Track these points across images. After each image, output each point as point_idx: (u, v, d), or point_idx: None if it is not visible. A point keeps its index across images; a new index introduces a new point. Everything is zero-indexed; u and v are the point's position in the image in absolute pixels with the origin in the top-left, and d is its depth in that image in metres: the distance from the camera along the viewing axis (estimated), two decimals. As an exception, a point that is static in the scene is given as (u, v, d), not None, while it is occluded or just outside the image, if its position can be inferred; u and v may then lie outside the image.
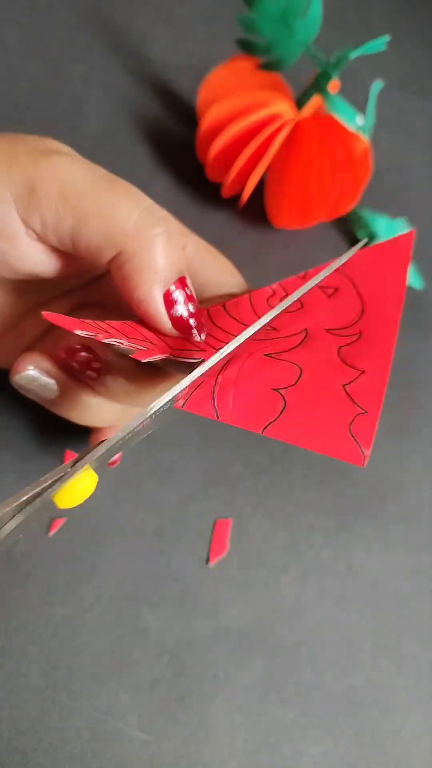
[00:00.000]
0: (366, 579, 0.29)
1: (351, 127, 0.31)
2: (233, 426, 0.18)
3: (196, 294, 0.23)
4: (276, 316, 0.20)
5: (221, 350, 0.18)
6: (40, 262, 0.19)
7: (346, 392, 0.18)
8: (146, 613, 0.26)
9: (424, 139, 0.42)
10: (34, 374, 0.21)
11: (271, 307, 0.21)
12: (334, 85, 0.32)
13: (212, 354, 0.19)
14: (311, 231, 0.36)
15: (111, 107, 0.37)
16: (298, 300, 0.21)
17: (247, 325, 0.20)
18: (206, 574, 0.27)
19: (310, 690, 0.26)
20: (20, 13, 0.39)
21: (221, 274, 0.23)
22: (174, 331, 0.19)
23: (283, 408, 0.18)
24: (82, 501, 0.16)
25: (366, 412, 0.18)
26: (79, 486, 0.16)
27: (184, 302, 0.19)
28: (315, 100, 0.32)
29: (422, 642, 0.28)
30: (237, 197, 0.35)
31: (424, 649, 0.28)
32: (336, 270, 0.21)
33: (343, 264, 0.21)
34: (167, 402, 0.17)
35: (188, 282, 0.19)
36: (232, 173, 0.32)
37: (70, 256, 0.20)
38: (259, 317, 0.20)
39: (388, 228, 0.37)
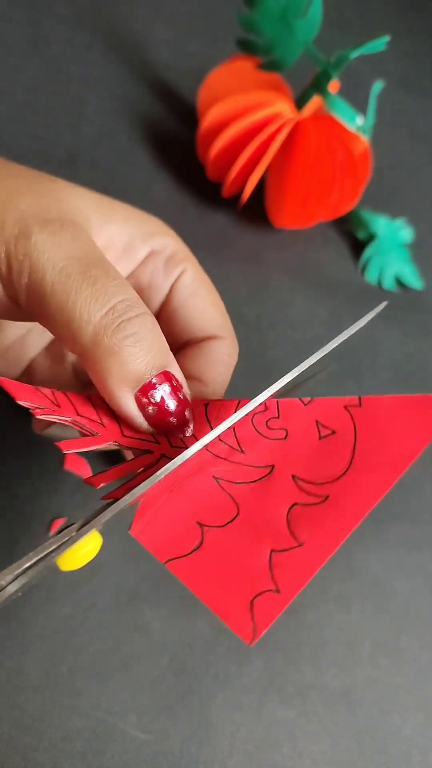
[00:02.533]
0: (366, 578, 0.29)
1: (351, 127, 0.31)
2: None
3: (181, 333, 0.22)
4: (251, 436, 0.18)
5: (174, 460, 0.16)
6: (20, 316, 0.19)
7: (270, 560, 0.16)
8: (147, 612, 0.26)
9: (424, 139, 0.42)
10: (56, 431, 0.20)
11: (254, 426, 0.18)
12: (334, 85, 0.32)
13: (162, 452, 0.18)
14: (311, 231, 0.36)
15: (111, 107, 0.37)
16: (284, 428, 0.18)
17: (219, 438, 0.18)
18: (206, 573, 0.27)
19: (310, 689, 0.26)
20: (21, 13, 0.39)
21: (210, 313, 0.23)
22: (150, 429, 0.18)
23: (197, 548, 0.17)
24: (85, 563, 0.16)
25: (278, 592, 0.15)
26: (83, 550, 0.15)
27: (165, 399, 0.17)
28: (315, 100, 0.32)
29: (422, 641, 0.28)
30: (237, 197, 0.35)
31: (424, 648, 0.28)
32: (345, 408, 0.18)
33: (360, 406, 0.18)
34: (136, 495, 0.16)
35: (174, 373, 0.17)
36: (233, 173, 0.32)
37: None
38: (235, 435, 0.18)
39: (388, 227, 0.37)
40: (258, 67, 0.32)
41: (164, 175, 0.36)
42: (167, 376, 0.17)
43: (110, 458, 0.29)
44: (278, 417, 0.18)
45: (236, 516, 0.17)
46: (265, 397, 0.17)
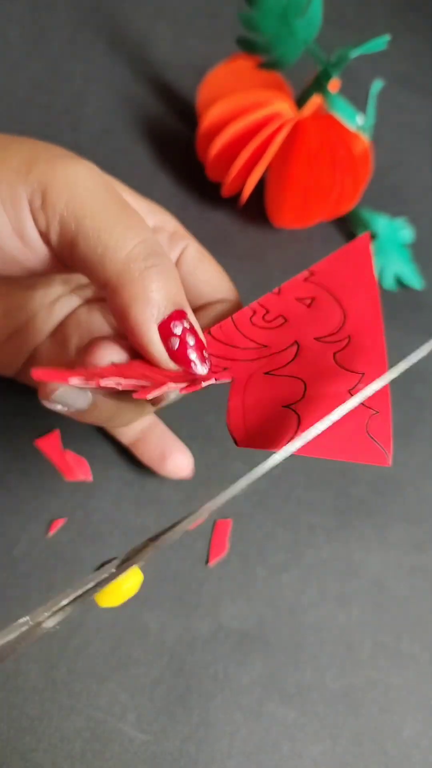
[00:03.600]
0: (366, 578, 0.29)
1: (351, 126, 0.31)
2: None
3: (191, 300, 0.23)
4: (264, 332, 0.20)
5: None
6: (47, 261, 0.19)
7: (353, 395, 0.18)
8: (146, 613, 0.26)
9: (425, 138, 0.42)
10: (67, 393, 0.20)
11: (255, 325, 0.21)
12: (334, 84, 0.32)
13: (211, 377, 0.19)
14: (311, 230, 0.36)
15: (111, 106, 0.37)
16: (281, 314, 0.21)
17: (235, 346, 0.20)
18: (206, 574, 0.27)
19: (310, 689, 0.26)
20: (21, 11, 0.39)
21: (215, 280, 0.24)
22: (172, 365, 0.18)
23: (298, 423, 0.18)
24: (125, 600, 0.16)
25: (377, 413, 0.18)
26: (124, 587, 0.15)
27: (183, 335, 0.18)
28: (315, 100, 0.32)
29: (422, 641, 0.28)
30: (237, 196, 0.35)
31: (424, 648, 0.28)
32: (307, 281, 0.21)
33: (313, 274, 0.21)
34: (223, 502, 0.16)
35: (189, 315, 0.18)
36: (233, 172, 0.32)
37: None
38: (246, 337, 0.20)
39: (389, 227, 0.37)
40: (258, 66, 0.32)
41: (164, 175, 0.36)
42: (182, 315, 0.18)
43: (111, 460, 0.29)
44: (268, 312, 0.21)
45: (305, 386, 0.18)
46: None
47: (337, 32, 0.31)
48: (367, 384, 0.18)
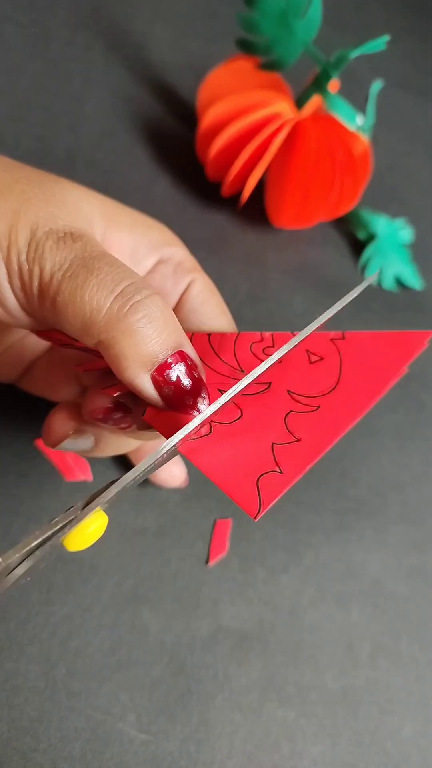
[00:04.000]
0: (366, 579, 0.29)
1: (351, 126, 0.31)
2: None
3: (185, 326, 0.22)
4: (251, 361, 0.20)
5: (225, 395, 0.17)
6: (31, 324, 0.19)
7: (273, 450, 0.18)
8: (146, 613, 0.26)
9: (424, 138, 0.42)
10: (72, 441, 0.21)
11: (251, 351, 0.21)
12: (333, 85, 0.32)
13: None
14: (311, 231, 0.36)
15: (111, 107, 0.37)
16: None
17: (221, 359, 0.20)
18: (206, 574, 0.27)
19: (310, 690, 0.26)
20: (21, 13, 0.39)
21: (219, 317, 0.23)
22: (167, 408, 0.18)
23: (207, 434, 0.18)
24: (92, 543, 0.16)
25: (281, 473, 0.18)
26: (89, 529, 0.15)
27: (177, 381, 0.18)
28: (315, 100, 0.32)
29: (422, 642, 0.28)
30: (237, 197, 0.35)
31: (423, 649, 0.28)
32: (332, 341, 0.21)
33: (343, 338, 0.21)
34: (176, 442, 0.16)
35: (188, 353, 0.18)
36: (232, 173, 0.32)
37: None
38: (236, 358, 0.20)
39: (388, 228, 0.37)
40: (258, 66, 0.32)
41: (164, 175, 0.36)
42: (182, 356, 0.18)
43: (111, 460, 0.29)
44: (273, 346, 0.21)
45: (240, 417, 0.19)
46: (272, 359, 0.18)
47: (336, 33, 0.31)
48: (298, 448, 0.18)
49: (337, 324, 0.34)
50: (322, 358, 0.21)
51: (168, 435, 0.18)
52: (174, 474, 0.28)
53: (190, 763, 0.24)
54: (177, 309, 0.23)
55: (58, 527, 0.15)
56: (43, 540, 0.15)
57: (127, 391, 0.19)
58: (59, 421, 0.21)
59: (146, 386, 0.17)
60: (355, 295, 0.20)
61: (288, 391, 0.20)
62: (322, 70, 0.30)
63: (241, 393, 0.19)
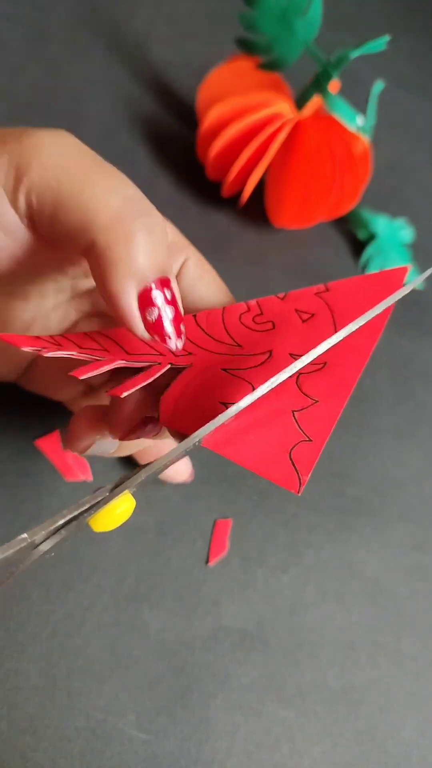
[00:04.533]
0: (366, 578, 0.29)
1: (351, 127, 0.31)
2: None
3: (183, 304, 0.22)
4: (246, 332, 0.20)
5: (251, 395, 0.17)
6: (31, 246, 0.19)
7: (295, 418, 0.18)
8: (146, 612, 0.26)
9: (425, 139, 0.42)
10: (97, 446, 0.21)
11: (242, 323, 0.20)
12: (334, 85, 0.32)
13: (169, 361, 0.19)
14: (311, 231, 0.36)
15: (111, 107, 0.37)
16: (272, 320, 0.20)
17: (211, 336, 0.20)
18: (206, 573, 0.27)
19: (310, 689, 0.26)
20: (21, 13, 0.39)
21: (217, 296, 0.23)
22: (146, 335, 0.17)
23: (227, 423, 0.18)
24: (118, 525, 0.16)
25: (310, 440, 0.17)
26: (117, 511, 0.15)
27: (163, 305, 0.17)
28: (315, 100, 0.32)
29: (422, 641, 0.28)
30: (237, 197, 0.35)
31: (424, 648, 0.28)
32: (317, 295, 0.21)
33: (328, 290, 0.20)
34: (206, 432, 0.16)
35: (172, 284, 0.17)
36: (233, 173, 0.32)
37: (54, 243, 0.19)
38: (229, 333, 0.20)
39: (388, 227, 0.37)
40: (258, 66, 0.32)
41: (164, 175, 0.36)
42: (166, 283, 0.17)
43: (111, 460, 0.29)
44: (262, 313, 0.20)
45: (253, 389, 0.18)
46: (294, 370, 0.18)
47: (336, 33, 0.31)
48: (318, 411, 0.18)
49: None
50: (313, 315, 0.20)
51: (190, 430, 0.17)
52: (179, 470, 0.27)
53: (190, 763, 0.24)
54: None
55: (86, 507, 0.15)
56: (70, 519, 0.15)
57: (137, 386, 0.18)
58: (84, 430, 0.21)
59: (131, 303, 0.16)
60: (398, 297, 0.20)
61: (291, 354, 0.19)
62: (323, 70, 0.30)
63: (246, 367, 0.19)
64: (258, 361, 0.19)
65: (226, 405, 0.18)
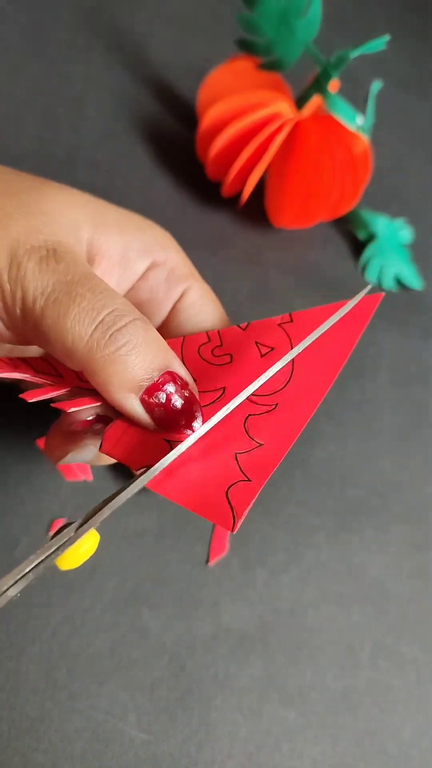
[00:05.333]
0: (366, 579, 0.29)
1: (351, 126, 0.31)
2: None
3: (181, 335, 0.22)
4: (202, 366, 0.19)
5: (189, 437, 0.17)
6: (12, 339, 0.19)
7: (236, 460, 0.18)
8: (146, 613, 0.26)
9: (424, 138, 0.42)
10: (75, 455, 0.21)
11: (200, 355, 0.20)
12: (334, 85, 0.32)
13: None
14: (311, 231, 0.36)
15: (111, 107, 0.37)
16: (230, 353, 0.20)
17: None
18: (206, 574, 0.27)
19: (311, 690, 0.26)
20: (20, 13, 0.39)
21: (215, 323, 0.22)
22: (158, 428, 0.18)
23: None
24: (83, 562, 0.16)
25: (249, 480, 0.17)
26: (82, 549, 0.16)
27: (168, 401, 0.17)
28: (315, 100, 0.32)
29: (422, 642, 0.28)
30: (237, 197, 0.35)
31: (424, 649, 0.28)
32: (279, 326, 0.20)
33: (292, 321, 0.20)
34: (159, 468, 0.17)
35: (178, 372, 0.18)
36: (232, 173, 0.32)
37: None
38: (183, 361, 0.19)
39: (388, 228, 0.37)
40: (258, 67, 0.32)
41: (164, 175, 0.36)
42: (171, 376, 0.17)
43: (115, 469, 0.29)
44: (221, 345, 0.20)
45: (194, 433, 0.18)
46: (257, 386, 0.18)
47: (336, 33, 0.31)
48: (261, 453, 0.18)
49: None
50: (272, 349, 0.19)
51: (131, 462, 0.18)
52: None
53: (190, 764, 0.24)
54: (170, 318, 0.22)
55: (52, 550, 0.16)
56: (38, 564, 0.15)
57: (85, 405, 0.18)
58: (56, 443, 0.21)
59: (136, 409, 0.17)
60: (354, 303, 0.20)
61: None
62: (323, 70, 0.30)
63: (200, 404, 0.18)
64: (211, 399, 0.19)
65: (170, 444, 0.18)
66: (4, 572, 0.26)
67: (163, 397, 0.17)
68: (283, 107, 0.32)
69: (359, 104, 0.32)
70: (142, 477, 0.16)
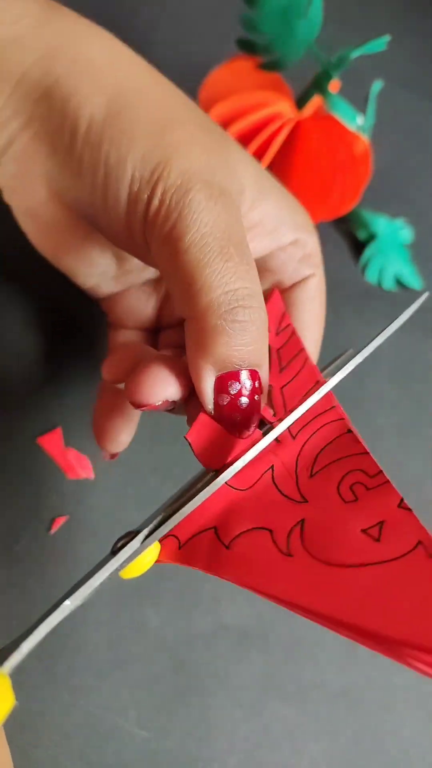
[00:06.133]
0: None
1: (351, 126, 0.31)
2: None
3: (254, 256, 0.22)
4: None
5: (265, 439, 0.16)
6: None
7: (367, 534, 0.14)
8: (146, 610, 0.26)
9: (425, 138, 0.42)
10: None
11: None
12: (334, 85, 0.32)
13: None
14: (312, 230, 0.36)
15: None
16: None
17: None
18: (206, 571, 0.27)
19: (310, 687, 0.26)
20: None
21: (311, 327, 0.23)
22: (212, 414, 0.17)
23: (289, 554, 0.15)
24: (146, 570, 0.16)
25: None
26: (146, 558, 0.16)
27: (237, 395, 0.17)
28: (315, 100, 0.33)
29: (422, 640, 0.28)
30: (238, 197, 0.35)
31: (423, 647, 0.28)
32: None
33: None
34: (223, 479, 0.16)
35: (262, 376, 0.17)
36: (233, 172, 0.32)
37: None
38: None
39: (388, 227, 0.37)
40: (258, 67, 0.32)
41: (165, 175, 0.36)
42: (253, 375, 0.17)
43: (117, 466, 0.29)
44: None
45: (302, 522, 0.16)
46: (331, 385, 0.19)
47: (337, 33, 0.31)
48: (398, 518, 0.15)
49: (340, 325, 0.34)
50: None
51: (206, 462, 0.17)
52: None
53: (190, 760, 0.24)
54: (284, 293, 0.23)
55: (120, 563, 0.16)
56: (105, 579, 0.16)
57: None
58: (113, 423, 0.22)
59: (207, 384, 0.17)
60: (406, 317, 0.20)
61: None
62: (323, 70, 0.30)
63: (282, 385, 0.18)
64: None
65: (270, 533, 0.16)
66: (4, 568, 0.27)
67: (235, 388, 0.17)
68: (284, 107, 0.32)
69: (360, 104, 0.32)
70: (211, 485, 0.16)
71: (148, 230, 0.18)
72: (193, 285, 0.16)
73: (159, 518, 0.16)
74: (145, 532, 0.16)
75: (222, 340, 0.16)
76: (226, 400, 0.17)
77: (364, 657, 0.27)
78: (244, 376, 0.17)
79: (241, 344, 0.17)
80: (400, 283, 0.37)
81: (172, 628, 0.26)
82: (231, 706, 0.25)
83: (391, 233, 0.37)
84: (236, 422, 0.17)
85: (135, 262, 0.23)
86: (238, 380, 0.17)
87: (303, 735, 0.26)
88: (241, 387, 0.17)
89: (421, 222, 0.38)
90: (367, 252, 0.36)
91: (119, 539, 0.16)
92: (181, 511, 0.16)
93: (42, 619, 0.15)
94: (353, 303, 0.35)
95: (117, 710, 0.24)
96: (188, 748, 0.24)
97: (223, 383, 0.17)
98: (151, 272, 0.24)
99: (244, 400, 0.17)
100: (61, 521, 0.27)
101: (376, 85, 0.32)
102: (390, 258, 0.36)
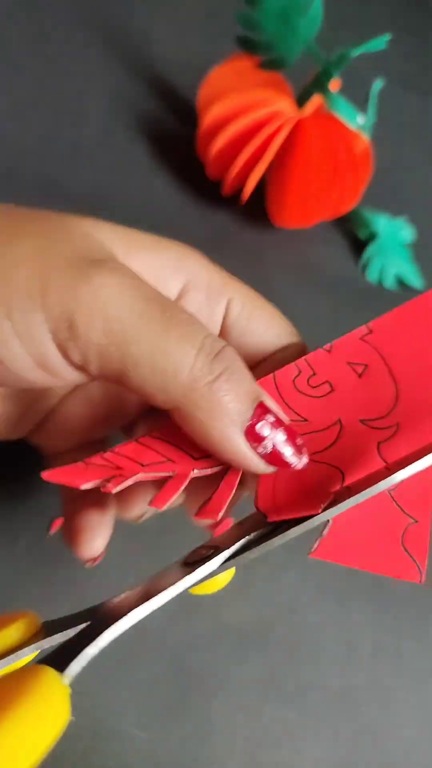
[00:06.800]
0: (365, 578, 0.29)
1: (352, 125, 0.31)
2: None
3: (251, 358, 0.20)
4: (306, 401, 0.18)
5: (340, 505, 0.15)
6: (82, 381, 0.17)
7: (392, 497, 0.16)
8: (146, 612, 0.26)
9: (425, 138, 0.42)
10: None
11: (298, 389, 0.18)
12: (334, 84, 0.32)
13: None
14: (312, 230, 0.36)
15: (111, 105, 0.37)
16: (327, 380, 0.18)
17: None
18: (206, 572, 0.27)
19: (310, 689, 0.26)
20: (21, 11, 0.39)
21: (273, 328, 0.21)
22: (269, 469, 0.16)
23: (326, 527, 0.16)
24: (215, 591, 0.16)
25: (416, 521, 0.16)
26: (219, 578, 0.16)
27: (272, 431, 0.16)
28: (316, 99, 0.32)
29: (422, 641, 0.28)
30: (237, 196, 0.35)
31: (423, 648, 0.28)
32: (362, 340, 0.18)
33: (371, 332, 0.18)
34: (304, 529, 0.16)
35: (269, 404, 0.16)
36: (233, 171, 0.32)
37: None
38: (287, 404, 0.18)
39: (389, 227, 0.37)
40: (259, 65, 0.32)
41: (164, 174, 0.36)
42: (264, 409, 0.16)
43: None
44: (315, 374, 0.18)
45: (343, 479, 0.16)
46: None
47: (337, 31, 0.31)
48: (411, 483, 0.16)
49: (336, 325, 0.34)
50: (366, 366, 0.18)
51: (304, 512, 0.16)
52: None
53: (190, 762, 0.24)
54: (222, 335, 0.21)
55: (194, 582, 0.16)
56: (182, 591, 0.16)
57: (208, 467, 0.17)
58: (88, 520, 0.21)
59: (242, 446, 0.16)
60: None
61: (360, 420, 0.17)
62: (323, 68, 0.30)
63: (323, 448, 0.17)
64: (331, 437, 0.17)
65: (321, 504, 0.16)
66: (4, 568, 0.26)
67: (265, 431, 0.16)
68: (284, 106, 0.32)
69: (360, 103, 0.32)
70: (306, 522, 0.15)
71: (76, 347, 0.15)
72: (165, 370, 0.15)
73: (243, 541, 0.15)
74: (226, 554, 0.15)
75: (224, 399, 0.15)
76: (270, 445, 0.16)
77: (364, 658, 0.27)
78: (258, 414, 0.16)
79: (238, 389, 0.15)
80: (401, 282, 0.36)
81: (172, 629, 0.26)
82: (231, 707, 0.25)
83: (392, 232, 0.37)
84: (289, 458, 0.16)
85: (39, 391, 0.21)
86: (263, 417, 0.16)
87: (303, 736, 0.26)
88: (266, 425, 0.16)
89: (422, 221, 0.38)
90: (368, 251, 0.36)
91: (193, 552, 0.16)
92: (267, 543, 0.15)
93: (106, 626, 0.15)
94: (354, 302, 0.35)
95: (118, 712, 0.24)
96: (188, 750, 0.24)
97: (254, 435, 0.16)
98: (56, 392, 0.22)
99: (279, 434, 0.16)
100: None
101: (377, 84, 0.32)
102: (391, 257, 0.36)
